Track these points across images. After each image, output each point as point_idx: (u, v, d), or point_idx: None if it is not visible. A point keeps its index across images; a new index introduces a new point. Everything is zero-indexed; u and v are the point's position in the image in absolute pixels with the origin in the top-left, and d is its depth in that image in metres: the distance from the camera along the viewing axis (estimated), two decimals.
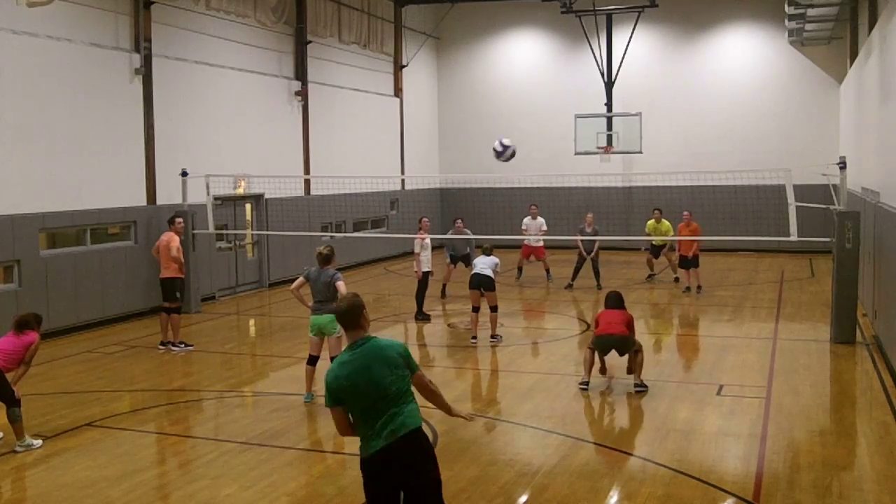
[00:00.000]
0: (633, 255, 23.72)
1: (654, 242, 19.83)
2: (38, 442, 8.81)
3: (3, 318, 13.54)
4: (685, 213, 19.02)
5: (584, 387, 10.74)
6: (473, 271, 13.91)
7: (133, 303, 16.28)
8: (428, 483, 5.14)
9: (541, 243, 20.06)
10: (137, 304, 16.37)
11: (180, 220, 14.08)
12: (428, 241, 15.91)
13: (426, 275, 15.82)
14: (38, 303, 14.11)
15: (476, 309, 13.87)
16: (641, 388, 10.67)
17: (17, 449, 8.62)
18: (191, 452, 8.62)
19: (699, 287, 18.45)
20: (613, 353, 10.89)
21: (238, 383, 11.67)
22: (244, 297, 19.25)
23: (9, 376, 8.80)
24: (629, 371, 10.84)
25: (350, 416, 5.20)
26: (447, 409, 5.74)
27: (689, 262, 18.53)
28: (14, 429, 8.71)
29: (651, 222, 19.90)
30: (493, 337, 13.78)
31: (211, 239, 18.22)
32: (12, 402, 8.70)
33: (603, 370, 11.11)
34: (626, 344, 10.66)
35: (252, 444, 8.73)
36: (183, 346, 13.55)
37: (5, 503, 7.35)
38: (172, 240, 13.59)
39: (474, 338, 13.81)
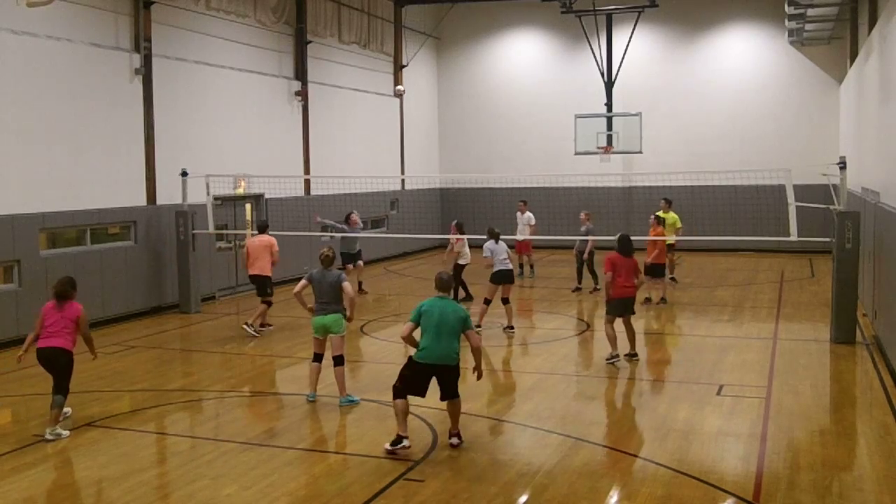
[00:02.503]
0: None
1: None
2: (67, 432, 9.12)
3: (3, 318, 13.57)
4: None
5: (616, 359, 11.76)
6: (497, 268, 14.27)
7: (133, 303, 16.28)
8: (451, 378, 8.52)
9: (526, 234, 20.21)
10: (137, 304, 16.37)
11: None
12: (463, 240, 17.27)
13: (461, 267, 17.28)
14: (38, 303, 14.00)
15: (490, 301, 14.39)
16: (636, 357, 12.08)
17: (48, 436, 8.94)
18: (191, 452, 8.61)
19: (662, 299, 17.09)
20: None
21: (238, 383, 11.66)
22: (244, 297, 19.24)
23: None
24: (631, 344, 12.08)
25: (420, 330, 8.41)
26: (478, 368, 8.64)
27: (652, 270, 16.86)
28: (51, 414, 9.10)
29: (658, 214, 19.24)
30: (510, 327, 14.37)
31: (211, 239, 18.22)
32: (60, 389, 9.16)
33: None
34: (633, 304, 12.17)
35: (252, 444, 8.73)
36: (252, 328, 14.42)
37: (5, 503, 7.35)
38: (273, 243, 14.66)
39: (478, 326, 14.00)
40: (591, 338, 14.19)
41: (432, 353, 8.30)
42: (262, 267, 14.60)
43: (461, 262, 17.25)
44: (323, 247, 10.53)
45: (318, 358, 10.39)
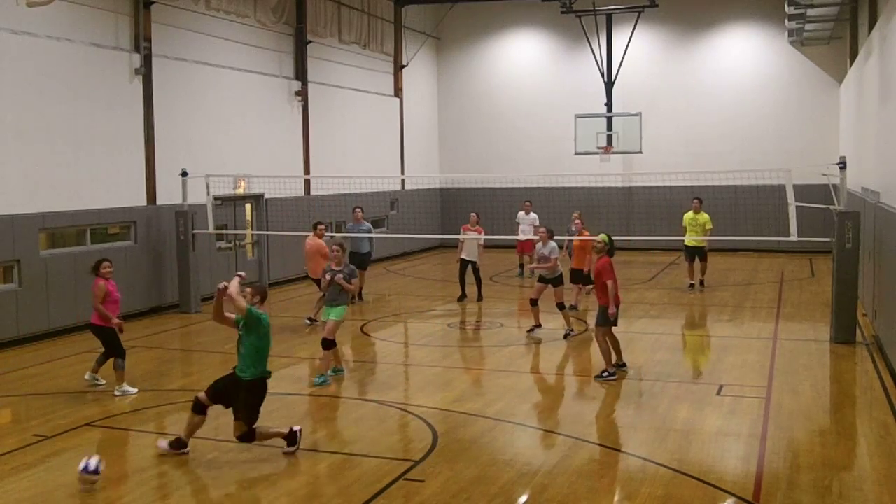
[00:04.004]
0: (633, 255, 23.74)
1: (686, 243, 18.38)
2: (134, 389, 10.65)
3: (3, 318, 13.57)
4: (576, 218, 16.79)
5: (623, 367, 11.36)
6: (560, 269, 14.00)
7: (133, 303, 16.25)
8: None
9: (529, 234, 20.04)
10: (137, 304, 16.36)
11: (322, 226, 15.73)
12: (472, 234, 17.41)
13: (462, 261, 17.42)
14: (38, 303, 14.13)
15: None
16: (625, 366, 11.53)
17: (115, 393, 10.53)
18: (191, 452, 8.61)
19: (573, 306, 15.72)
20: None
21: None
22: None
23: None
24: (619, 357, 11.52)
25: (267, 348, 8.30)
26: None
27: (580, 277, 16.05)
28: (116, 375, 10.62)
29: (689, 214, 18.60)
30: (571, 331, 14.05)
31: (211, 239, 18.21)
32: (119, 354, 10.63)
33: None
34: None
35: (252, 444, 8.72)
36: (311, 321, 15.01)
37: (6, 503, 7.35)
38: (321, 245, 15.20)
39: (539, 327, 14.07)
40: (591, 338, 14.17)
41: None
42: (314, 268, 15.27)
43: (474, 258, 17.23)
44: (333, 244, 11.50)
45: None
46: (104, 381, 11.02)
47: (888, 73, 13.58)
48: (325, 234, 16.56)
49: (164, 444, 8.33)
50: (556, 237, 14.37)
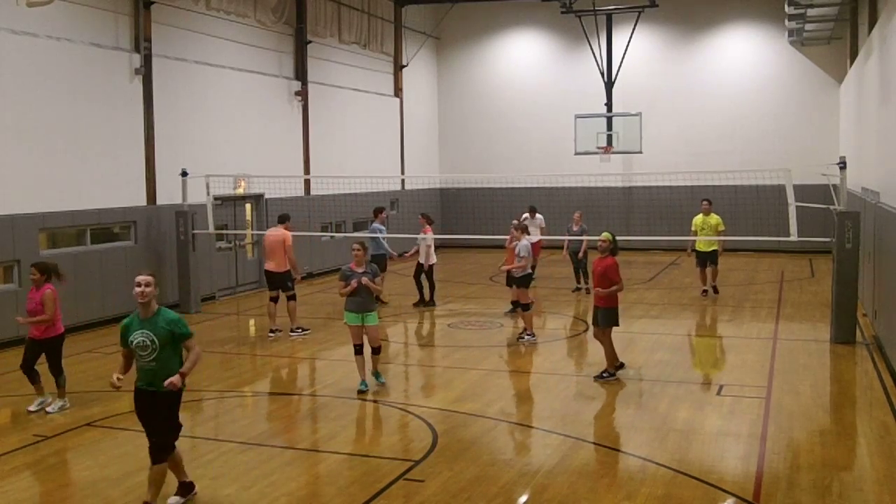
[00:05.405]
0: (633, 255, 23.73)
1: (697, 247, 17.67)
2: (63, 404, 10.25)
3: (3, 318, 13.57)
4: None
5: (614, 375, 11.24)
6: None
7: (133, 303, 16.21)
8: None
9: (537, 239, 19.73)
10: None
11: (289, 222, 14.70)
12: (427, 236, 17.03)
13: (419, 265, 17.15)
14: None
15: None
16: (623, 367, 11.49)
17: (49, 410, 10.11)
18: (191, 452, 8.59)
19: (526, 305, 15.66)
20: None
21: (238, 383, 11.66)
22: (244, 297, 19.24)
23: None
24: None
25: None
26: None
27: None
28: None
29: (699, 217, 17.88)
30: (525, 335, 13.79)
31: (211, 239, 18.22)
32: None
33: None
34: None
35: (252, 444, 8.73)
36: (300, 330, 14.32)
37: (6, 503, 7.35)
38: (287, 237, 14.32)
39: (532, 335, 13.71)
40: (591, 338, 14.16)
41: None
42: (271, 260, 14.39)
43: (431, 261, 16.97)
44: (354, 243, 10.94)
45: (359, 350, 10.80)
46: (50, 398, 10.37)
47: (888, 73, 13.58)
48: (329, 235, 16.40)
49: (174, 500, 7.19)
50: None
